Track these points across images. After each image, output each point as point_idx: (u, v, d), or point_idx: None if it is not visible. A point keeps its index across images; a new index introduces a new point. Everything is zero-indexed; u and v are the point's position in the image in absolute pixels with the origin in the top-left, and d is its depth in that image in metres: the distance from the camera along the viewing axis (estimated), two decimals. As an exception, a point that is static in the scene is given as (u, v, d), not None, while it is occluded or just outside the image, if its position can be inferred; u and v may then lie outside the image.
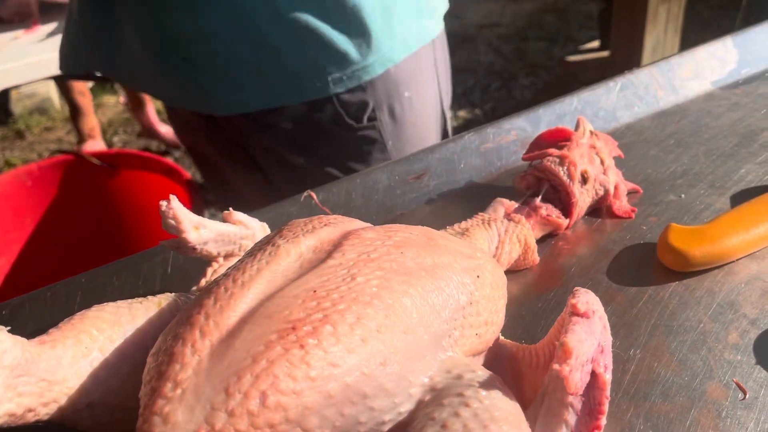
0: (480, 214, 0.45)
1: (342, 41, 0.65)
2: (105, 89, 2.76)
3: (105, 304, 0.31)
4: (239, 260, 0.30)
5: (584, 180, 0.46)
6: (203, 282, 0.39)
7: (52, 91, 2.62)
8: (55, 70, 1.23)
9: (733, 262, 0.43)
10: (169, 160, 1.42)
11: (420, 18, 0.71)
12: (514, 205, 0.46)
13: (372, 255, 0.29)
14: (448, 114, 0.84)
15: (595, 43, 2.49)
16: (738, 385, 0.36)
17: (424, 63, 0.73)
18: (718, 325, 0.40)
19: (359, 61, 0.67)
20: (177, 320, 0.27)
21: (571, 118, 0.57)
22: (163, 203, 0.36)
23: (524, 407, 0.31)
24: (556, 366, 0.26)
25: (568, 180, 0.46)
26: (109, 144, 2.45)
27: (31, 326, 0.43)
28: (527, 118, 0.58)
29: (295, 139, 0.72)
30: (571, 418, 0.29)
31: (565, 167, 0.46)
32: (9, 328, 0.26)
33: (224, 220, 0.41)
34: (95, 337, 0.29)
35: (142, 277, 0.46)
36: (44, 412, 0.27)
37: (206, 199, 1.58)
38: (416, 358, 0.27)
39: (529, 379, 0.32)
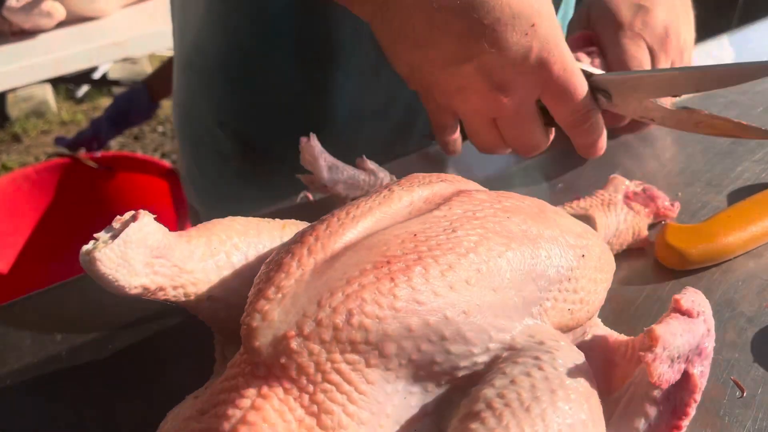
0: (599, 192, 0.47)
1: None
2: (102, 92, 2.76)
3: (237, 216, 0.35)
4: (357, 198, 0.33)
5: None
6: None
7: (48, 94, 2.63)
8: (51, 73, 1.23)
9: (731, 260, 0.43)
10: (165, 162, 1.42)
11: None
12: (631, 186, 0.48)
13: (477, 214, 0.31)
14: None
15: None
16: (736, 383, 0.36)
17: None
18: (715, 323, 0.40)
19: None
20: (292, 239, 0.30)
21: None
22: (304, 139, 0.40)
23: (609, 394, 0.33)
24: (641, 352, 0.28)
25: None
26: (106, 147, 2.45)
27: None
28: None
29: None
30: (652, 411, 0.30)
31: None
32: (155, 216, 0.30)
33: (357, 166, 0.45)
34: (224, 241, 0.33)
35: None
36: (172, 294, 0.31)
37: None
38: (501, 316, 0.29)
39: (621, 369, 0.34)
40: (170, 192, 1.36)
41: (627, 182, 0.48)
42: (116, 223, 0.28)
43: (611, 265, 0.37)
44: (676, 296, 0.32)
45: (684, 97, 0.56)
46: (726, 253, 0.44)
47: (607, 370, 0.35)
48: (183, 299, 0.31)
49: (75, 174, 1.40)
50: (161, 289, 0.30)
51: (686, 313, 0.32)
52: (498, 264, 0.29)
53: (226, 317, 0.33)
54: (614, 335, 0.37)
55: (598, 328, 0.37)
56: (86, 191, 1.42)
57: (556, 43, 0.43)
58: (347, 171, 0.43)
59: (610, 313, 0.41)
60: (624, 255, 0.46)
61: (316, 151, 0.41)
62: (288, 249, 0.29)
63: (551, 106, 0.47)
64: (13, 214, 1.36)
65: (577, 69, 0.45)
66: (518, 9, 0.42)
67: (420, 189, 0.33)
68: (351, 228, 0.30)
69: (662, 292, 0.43)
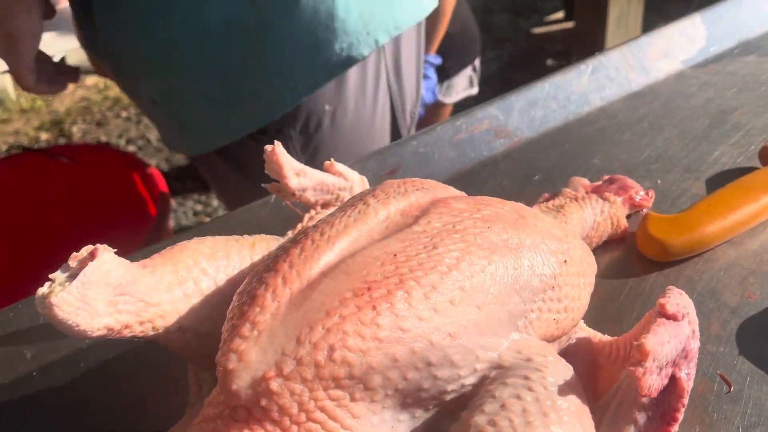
0: (566, 190, 0.46)
1: None
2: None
3: (205, 237, 0.34)
4: (330, 213, 0.31)
5: None
6: (299, 227, 0.42)
7: (7, 81, 2.52)
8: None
9: (712, 249, 0.43)
10: (130, 152, 1.38)
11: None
12: (590, 183, 0.47)
13: (457, 226, 0.30)
14: (413, 112, 0.81)
15: (560, 14, 2.48)
16: (723, 377, 0.36)
17: (357, 76, 0.71)
18: (699, 315, 0.40)
19: None
20: (264, 264, 0.29)
21: (543, 103, 0.57)
22: (268, 147, 0.39)
23: (597, 398, 0.32)
24: (630, 367, 0.27)
25: None
26: (68, 134, 2.37)
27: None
28: (499, 106, 0.58)
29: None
30: (641, 418, 0.30)
31: None
32: (116, 250, 0.28)
33: (325, 170, 0.43)
34: (191, 268, 0.31)
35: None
36: (139, 330, 0.29)
37: (172, 188, 1.54)
38: (487, 334, 0.28)
39: (606, 370, 0.33)
40: (137, 181, 1.32)
41: (585, 181, 0.48)
42: (72, 262, 0.27)
43: (593, 267, 0.36)
44: (661, 300, 0.31)
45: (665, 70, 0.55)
46: (708, 243, 0.44)
47: (593, 372, 0.35)
48: (151, 333, 0.30)
49: (40, 167, 1.36)
50: (127, 326, 0.29)
51: (671, 317, 0.31)
52: (481, 279, 0.29)
53: (197, 346, 0.31)
54: (598, 336, 0.37)
55: (582, 331, 0.37)
56: (53, 184, 1.37)
57: None
58: (315, 176, 0.42)
59: (594, 309, 0.41)
60: (605, 246, 0.46)
61: (282, 159, 0.39)
62: (261, 278, 0.28)
63: None
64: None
65: None
66: None
67: (395, 201, 0.32)
68: (327, 251, 0.28)
69: (645, 285, 0.43)
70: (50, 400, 0.40)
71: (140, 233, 1.25)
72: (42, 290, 0.26)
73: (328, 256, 0.28)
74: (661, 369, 0.30)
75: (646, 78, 0.62)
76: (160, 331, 0.30)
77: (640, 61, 0.62)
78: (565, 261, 0.33)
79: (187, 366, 0.34)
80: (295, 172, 0.40)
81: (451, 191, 0.36)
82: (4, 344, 0.43)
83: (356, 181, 0.45)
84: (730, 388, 0.36)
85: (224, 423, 0.24)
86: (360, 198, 0.33)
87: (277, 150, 0.39)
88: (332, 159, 0.44)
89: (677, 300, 0.32)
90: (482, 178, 0.54)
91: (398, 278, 0.27)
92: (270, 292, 0.26)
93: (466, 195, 0.37)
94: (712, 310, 0.41)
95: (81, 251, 0.27)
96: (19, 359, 0.43)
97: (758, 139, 0.53)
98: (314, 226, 0.31)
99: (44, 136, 2.41)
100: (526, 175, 0.53)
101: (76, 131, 2.44)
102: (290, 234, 0.43)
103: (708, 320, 0.40)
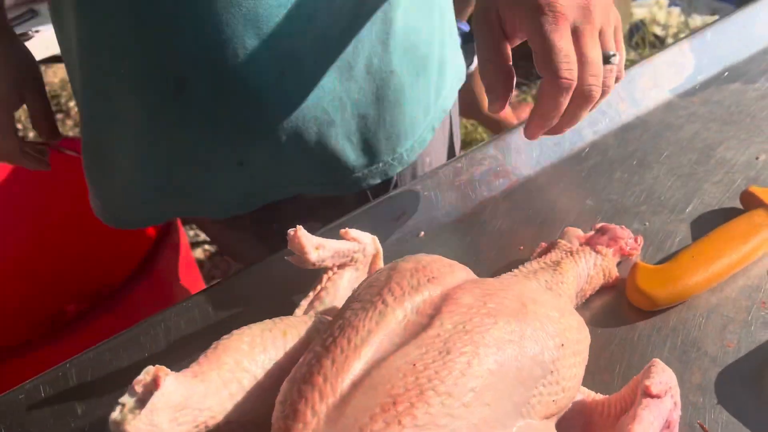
0: (561, 242, 0.50)
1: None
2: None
3: (243, 333, 0.38)
4: (353, 310, 0.36)
5: None
6: (318, 288, 0.48)
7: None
8: None
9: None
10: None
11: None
12: (583, 234, 0.52)
13: (467, 326, 0.35)
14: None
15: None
16: (701, 426, 0.40)
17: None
18: (682, 365, 0.45)
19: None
20: (300, 372, 0.34)
21: (540, 142, 0.60)
22: (291, 231, 0.44)
23: None
24: None
25: None
26: (66, 110, 2.37)
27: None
28: (497, 145, 0.60)
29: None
30: None
31: None
32: (171, 374, 0.33)
33: (341, 237, 0.48)
34: (233, 368, 0.36)
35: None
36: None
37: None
38: (496, 425, 0.33)
39: (599, 426, 0.39)
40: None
41: (579, 231, 0.52)
42: (138, 386, 0.32)
43: (587, 340, 0.41)
44: (646, 382, 0.36)
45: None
46: (691, 293, 0.48)
47: (587, 429, 0.40)
48: (203, 431, 0.34)
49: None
50: None
51: (656, 396, 0.36)
52: (490, 379, 0.34)
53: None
54: (591, 396, 0.42)
55: (578, 393, 0.41)
56: (63, 178, 1.40)
57: None
58: (332, 246, 0.46)
59: (588, 360, 0.45)
60: (597, 292, 0.50)
61: (303, 240, 0.43)
62: (300, 390, 0.33)
63: None
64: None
65: None
66: None
67: (410, 298, 0.37)
68: (355, 360, 0.33)
69: (634, 334, 0.48)
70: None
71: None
72: (115, 415, 0.30)
73: (356, 366, 0.33)
74: None
75: (636, 109, 0.65)
76: (211, 427, 0.35)
77: (630, 93, 0.65)
78: (563, 344, 0.38)
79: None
80: (314, 247, 0.45)
81: (457, 270, 0.41)
82: (57, 402, 0.48)
83: (369, 243, 0.49)
84: (707, 437, 0.41)
85: None
86: (378, 293, 0.38)
87: (299, 233, 0.44)
88: (347, 228, 0.48)
89: (660, 378, 0.37)
90: (483, 220, 0.57)
91: (418, 389, 0.32)
92: (310, 408, 0.32)
93: (472, 278, 0.41)
94: (694, 360, 0.45)
95: (143, 375, 0.32)
96: (71, 414, 0.48)
97: (740, 176, 0.57)
98: (341, 332, 0.35)
99: (41, 111, 2.41)
100: (524, 217, 0.57)
101: (73, 105, 2.44)
102: (311, 296, 0.47)
103: (690, 370, 0.45)
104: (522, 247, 0.55)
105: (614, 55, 0.47)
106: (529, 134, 0.49)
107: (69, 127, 2.30)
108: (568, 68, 0.44)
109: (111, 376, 0.49)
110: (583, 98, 0.46)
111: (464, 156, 0.61)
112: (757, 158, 0.58)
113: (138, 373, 0.48)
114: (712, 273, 0.49)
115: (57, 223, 1.39)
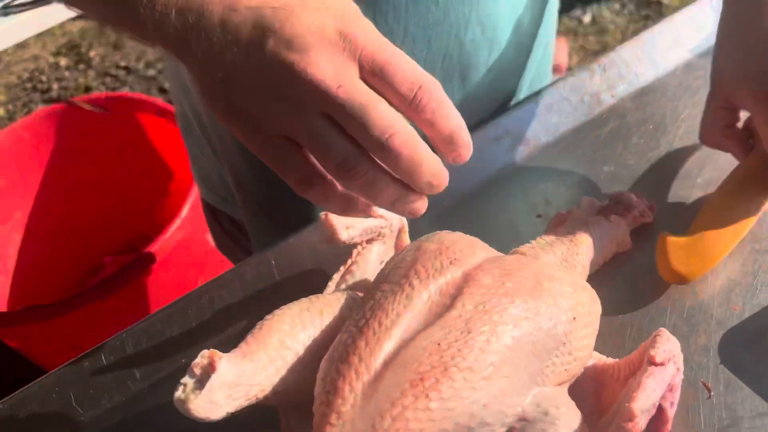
0: (577, 212, 0.53)
1: None
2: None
3: (284, 312, 0.42)
4: (382, 292, 0.40)
5: None
6: (349, 261, 0.52)
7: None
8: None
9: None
10: (159, 99, 1.43)
11: None
12: (599, 203, 0.54)
13: (486, 306, 0.39)
14: None
15: None
16: (705, 385, 0.44)
17: None
18: (689, 328, 0.48)
19: None
20: (338, 352, 0.38)
21: (558, 108, 0.62)
22: (322, 215, 0.48)
23: (601, 413, 0.42)
24: (622, 423, 0.37)
25: None
26: (86, 59, 2.39)
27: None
28: (517, 114, 0.62)
29: None
30: None
31: None
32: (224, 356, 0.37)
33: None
34: (277, 347, 0.40)
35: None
36: (246, 404, 0.39)
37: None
38: (513, 394, 0.38)
39: (609, 389, 0.43)
40: (168, 129, 1.38)
41: (595, 201, 0.54)
42: (196, 369, 0.36)
43: (597, 312, 0.45)
44: (651, 351, 0.40)
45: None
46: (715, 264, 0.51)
47: (598, 391, 0.45)
48: (254, 402, 0.39)
49: (72, 119, 1.41)
50: (239, 407, 0.38)
51: (660, 365, 0.39)
52: (507, 354, 0.38)
53: (286, 401, 0.42)
54: (602, 359, 0.46)
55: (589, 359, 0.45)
56: (85, 135, 1.44)
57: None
58: (361, 225, 0.49)
59: (600, 323, 0.48)
60: (611, 260, 0.53)
61: (335, 225, 0.47)
62: (338, 369, 0.37)
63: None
64: (19, 165, 1.39)
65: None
66: None
67: (434, 280, 0.41)
68: (386, 341, 0.38)
69: (643, 299, 0.51)
70: (158, 417, 0.50)
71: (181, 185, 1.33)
72: (178, 394, 0.35)
73: (387, 346, 0.37)
74: (648, 411, 0.39)
75: (655, 71, 0.65)
76: (261, 399, 0.39)
77: (649, 55, 0.66)
78: (575, 318, 0.41)
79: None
80: (345, 227, 0.48)
81: (477, 249, 0.44)
82: (118, 368, 0.53)
83: (395, 219, 0.52)
84: (710, 394, 0.45)
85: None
86: (405, 275, 0.41)
87: (330, 216, 0.47)
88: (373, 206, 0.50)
89: (665, 347, 0.41)
90: (501, 188, 0.60)
91: (443, 366, 0.36)
92: (348, 384, 0.36)
93: (491, 257, 0.44)
94: (701, 323, 0.49)
95: (199, 358, 0.36)
96: (131, 378, 0.53)
97: (752, 140, 0.58)
98: (372, 315, 0.39)
99: (63, 61, 2.43)
100: (542, 186, 0.60)
101: (95, 56, 2.45)
102: (342, 270, 0.51)
103: (696, 333, 0.48)
104: (540, 215, 0.58)
105: None
106: None
107: (91, 78, 2.33)
108: None
109: (164, 344, 0.54)
110: None
111: (482, 124, 0.63)
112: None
113: (187, 340, 0.54)
114: (736, 236, 0.51)
115: (88, 179, 1.44)
